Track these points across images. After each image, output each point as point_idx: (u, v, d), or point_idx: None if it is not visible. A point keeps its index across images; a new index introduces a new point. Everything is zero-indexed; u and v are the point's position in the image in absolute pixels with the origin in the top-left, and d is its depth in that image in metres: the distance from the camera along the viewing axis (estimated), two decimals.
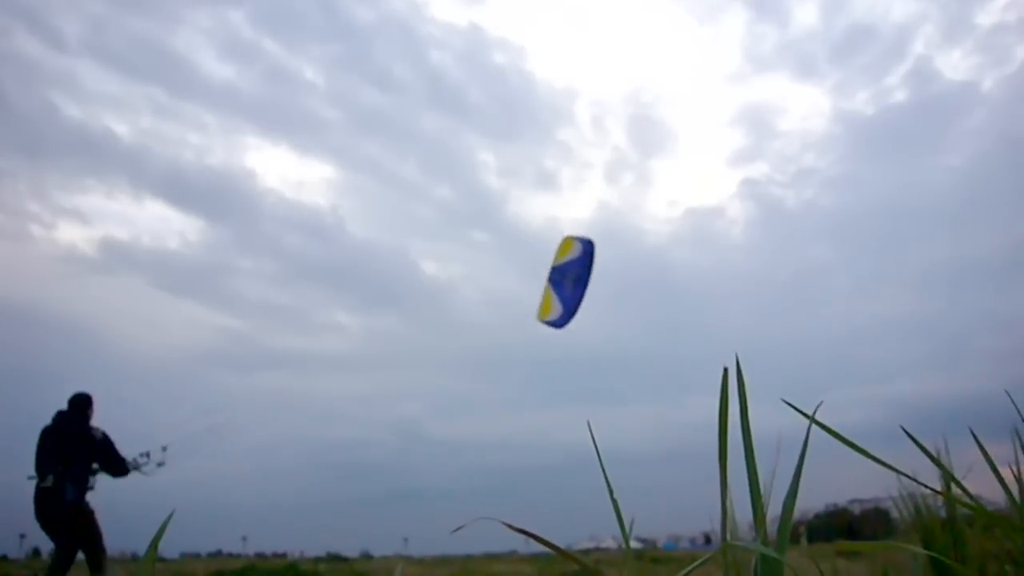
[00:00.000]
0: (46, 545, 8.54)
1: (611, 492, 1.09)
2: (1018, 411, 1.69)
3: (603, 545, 54.64)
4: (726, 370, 0.88)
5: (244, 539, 60.90)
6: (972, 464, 1.95)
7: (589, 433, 1.11)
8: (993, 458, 1.82)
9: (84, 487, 7.80)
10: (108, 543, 7.87)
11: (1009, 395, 1.65)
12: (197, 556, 45.62)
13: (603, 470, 1.09)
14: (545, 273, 11.97)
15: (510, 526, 1.27)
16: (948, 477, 2.41)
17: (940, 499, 2.56)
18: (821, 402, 0.90)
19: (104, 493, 7.92)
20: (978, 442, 1.50)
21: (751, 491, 0.86)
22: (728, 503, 0.89)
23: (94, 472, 7.93)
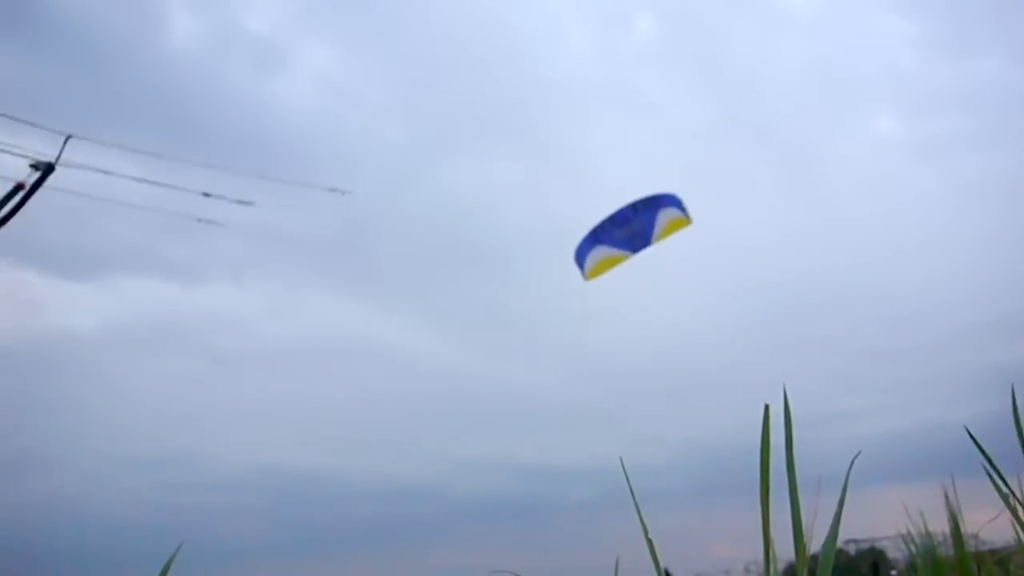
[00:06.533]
0: None
1: (646, 531, 1.11)
2: (979, 447, 1.70)
3: None
4: (767, 407, 0.92)
5: None
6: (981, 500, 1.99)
7: (623, 471, 1.14)
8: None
9: None
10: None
11: (968, 431, 1.66)
12: None
13: (637, 507, 1.12)
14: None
15: None
16: (955, 516, 2.45)
17: (947, 537, 2.59)
18: (860, 452, 0.95)
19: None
20: (995, 484, 1.54)
21: (794, 532, 0.89)
22: (772, 544, 0.93)
23: None
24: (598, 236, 13.97)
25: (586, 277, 14.18)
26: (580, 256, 14.08)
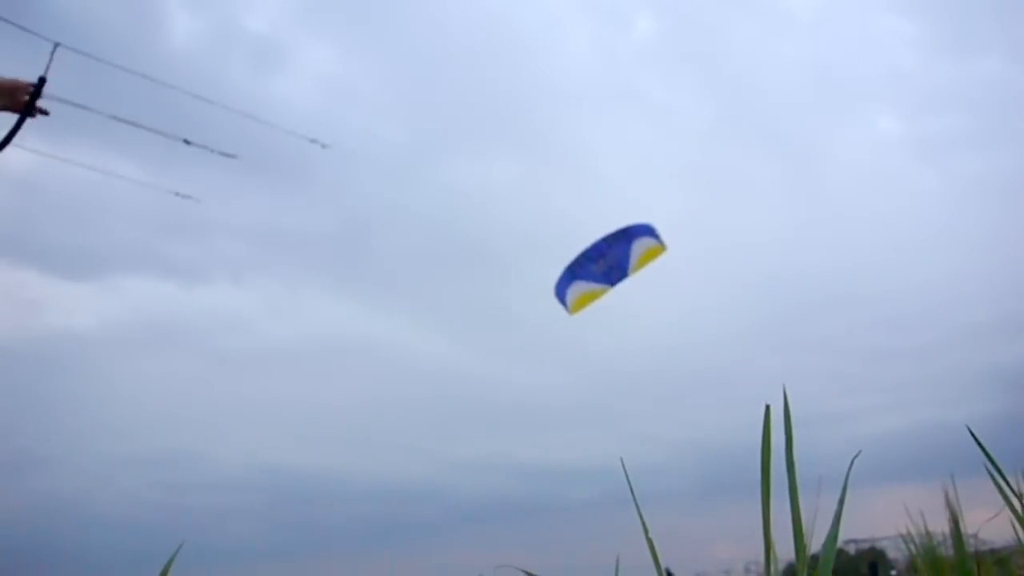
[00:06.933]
0: None
1: (646, 531, 1.12)
2: (981, 446, 1.70)
3: None
4: (768, 407, 0.92)
5: None
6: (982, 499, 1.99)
7: (623, 470, 1.15)
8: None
9: None
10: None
11: (970, 430, 1.67)
12: None
13: (637, 507, 1.13)
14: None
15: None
16: (955, 516, 2.45)
17: (947, 537, 2.59)
18: (860, 451, 0.95)
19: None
20: (996, 483, 1.54)
21: (795, 531, 0.89)
22: (772, 544, 0.93)
23: None
24: (575, 272, 14.14)
25: (570, 312, 14.35)
26: (560, 293, 14.26)
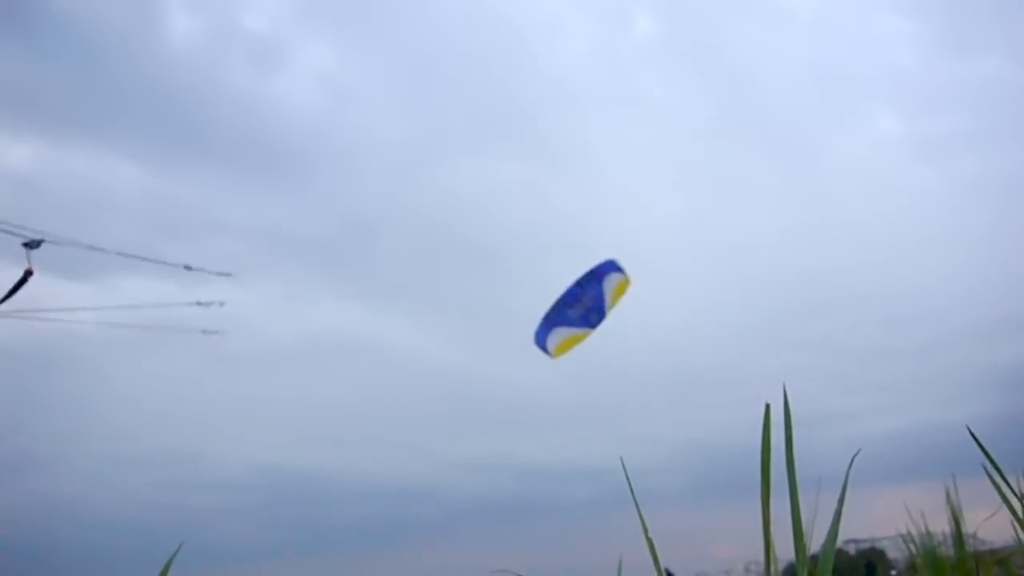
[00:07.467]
0: None
1: (647, 531, 1.12)
2: (981, 446, 1.71)
3: None
4: (768, 406, 0.92)
5: None
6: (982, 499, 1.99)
7: (623, 470, 1.16)
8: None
9: None
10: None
11: (970, 430, 1.68)
12: None
13: (637, 507, 1.13)
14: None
15: None
16: (956, 515, 2.45)
17: (948, 538, 2.59)
18: (859, 450, 0.95)
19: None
20: (995, 483, 1.54)
21: (794, 531, 0.89)
22: (772, 544, 0.93)
23: None
24: (553, 320, 14.32)
25: (553, 356, 14.45)
26: (540, 342, 14.39)
